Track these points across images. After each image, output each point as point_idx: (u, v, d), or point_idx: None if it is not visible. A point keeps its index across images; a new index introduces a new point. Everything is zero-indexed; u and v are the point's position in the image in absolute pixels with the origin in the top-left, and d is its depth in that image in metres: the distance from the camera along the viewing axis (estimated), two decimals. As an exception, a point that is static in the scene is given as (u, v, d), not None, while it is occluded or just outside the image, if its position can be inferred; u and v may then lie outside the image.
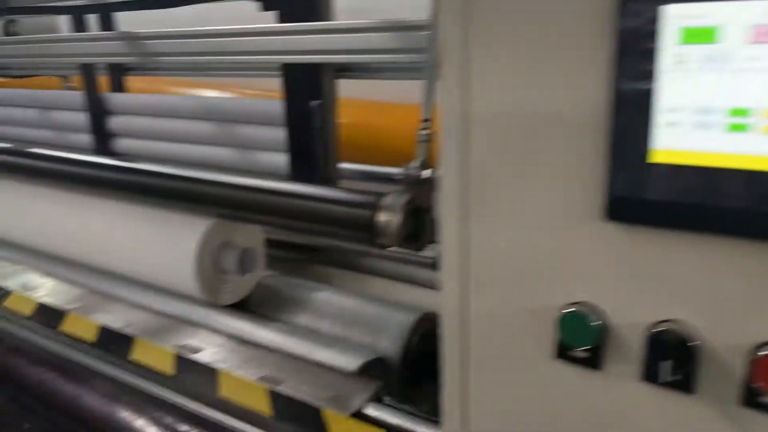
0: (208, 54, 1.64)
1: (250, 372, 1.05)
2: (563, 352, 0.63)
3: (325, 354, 1.13)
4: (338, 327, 1.31)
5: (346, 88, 1.59)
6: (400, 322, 1.26)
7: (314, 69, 1.52)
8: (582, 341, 0.60)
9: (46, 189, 1.60)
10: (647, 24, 0.53)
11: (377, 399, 0.97)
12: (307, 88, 1.54)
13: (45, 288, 1.44)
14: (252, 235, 1.39)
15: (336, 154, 1.57)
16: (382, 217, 0.97)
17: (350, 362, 1.10)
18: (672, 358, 0.55)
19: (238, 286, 1.39)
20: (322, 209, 1.05)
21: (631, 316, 0.59)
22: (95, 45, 1.89)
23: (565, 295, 0.62)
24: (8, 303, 1.37)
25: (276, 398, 0.97)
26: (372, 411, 0.95)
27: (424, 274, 1.56)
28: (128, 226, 1.40)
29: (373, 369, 1.12)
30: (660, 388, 0.58)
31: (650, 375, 0.58)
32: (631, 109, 0.54)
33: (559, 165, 0.59)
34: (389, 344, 1.23)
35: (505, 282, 0.65)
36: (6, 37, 2.29)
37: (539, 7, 0.57)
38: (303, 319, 1.36)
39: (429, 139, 0.98)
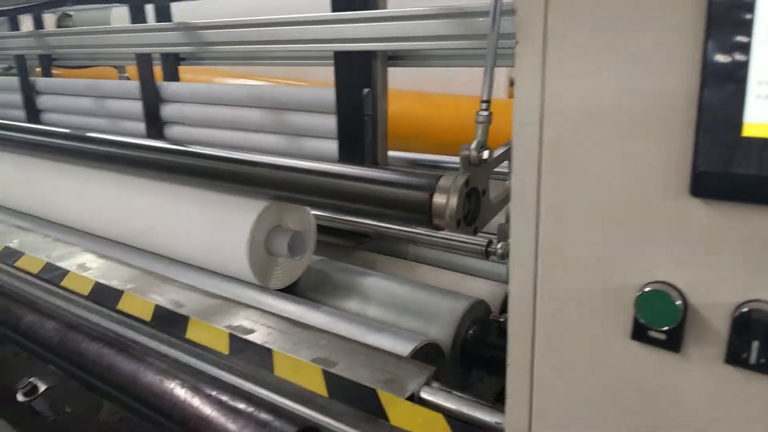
0: (262, 43, 1.66)
1: (302, 354, 1.06)
2: (641, 333, 0.61)
3: (377, 338, 1.13)
4: (387, 313, 1.31)
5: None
6: (451, 309, 1.25)
7: (366, 57, 1.52)
8: (663, 321, 0.58)
9: (102, 173, 1.64)
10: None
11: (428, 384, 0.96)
12: (358, 76, 1.54)
13: (100, 269, 1.48)
14: (303, 220, 1.40)
15: (385, 141, 1.57)
16: (438, 199, 0.97)
17: (403, 346, 1.10)
18: (761, 339, 0.53)
19: (289, 270, 1.40)
20: (378, 191, 1.05)
21: (715, 296, 0.57)
22: (152, 35, 1.94)
23: (643, 275, 0.60)
24: (65, 282, 1.40)
25: (331, 380, 0.97)
26: (426, 395, 0.94)
27: (472, 262, 1.55)
28: (182, 209, 1.43)
29: (425, 354, 1.11)
30: (744, 370, 0.56)
31: (735, 357, 0.56)
32: (723, 83, 0.52)
33: (641, 141, 0.58)
34: (440, 331, 1.23)
35: (579, 262, 0.64)
36: (65, 29, 2.35)
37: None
38: (352, 304, 1.37)
39: (488, 121, 0.97)
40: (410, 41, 1.39)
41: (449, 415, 0.89)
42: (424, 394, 0.94)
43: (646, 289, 0.59)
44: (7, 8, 2.27)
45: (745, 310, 0.54)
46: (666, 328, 0.59)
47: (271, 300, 1.31)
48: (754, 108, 0.51)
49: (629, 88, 0.57)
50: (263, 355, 1.06)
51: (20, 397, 1.20)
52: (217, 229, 1.33)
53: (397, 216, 1.06)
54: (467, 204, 1.00)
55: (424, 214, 1.00)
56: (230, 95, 1.85)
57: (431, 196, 0.98)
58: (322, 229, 1.55)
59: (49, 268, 1.49)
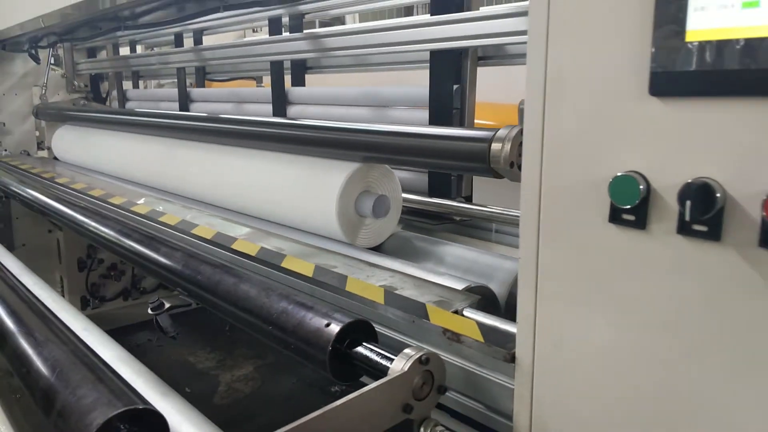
0: (371, 47, 1.91)
1: (371, 281, 1.25)
2: (615, 215, 0.74)
3: (438, 279, 1.30)
4: (455, 271, 1.47)
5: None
6: (511, 268, 1.39)
7: (457, 56, 1.73)
8: (629, 200, 0.71)
9: (222, 150, 1.96)
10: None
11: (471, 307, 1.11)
12: (450, 73, 1.75)
13: (222, 226, 1.77)
14: (390, 187, 1.60)
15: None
16: (495, 146, 1.13)
17: (458, 284, 1.25)
18: (692, 199, 0.65)
19: (375, 233, 1.61)
20: (447, 144, 1.24)
21: (670, 178, 0.69)
22: (282, 45, 2.28)
23: (617, 166, 0.73)
24: (195, 231, 1.71)
25: (389, 296, 1.15)
26: (468, 313, 1.09)
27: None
28: (285, 173, 1.69)
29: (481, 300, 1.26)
30: (692, 239, 0.68)
31: (683, 227, 0.68)
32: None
33: (615, 53, 0.72)
34: (497, 287, 1.37)
35: (571, 158, 0.78)
36: (217, 44, 2.78)
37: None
38: (426, 264, 1.54)
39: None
40: (496, 37, 1.57)
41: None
42: (467, 313, 1.10)
43: (618, 174, 0.73)
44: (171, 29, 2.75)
45: (687, 183, 0.66)
46: (630, 207, 0.72)
47: (357, 253, 1.51)
48: (693, 18, 0.65)
49: (607, 8, 0.73)
50: (339, 279, 1.27)
51: (149, 311, 1.48)
52: (312, 189, 1.57)
53: (462, 167, 1.24)
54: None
55: (483, 161, 1.16)
56: (344, 95, 2.14)
57: (490, 145, 1.15)
58: (410, 210, 1.76)
59: (184, 223, 1.82)
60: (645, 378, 0.76)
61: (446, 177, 1.81)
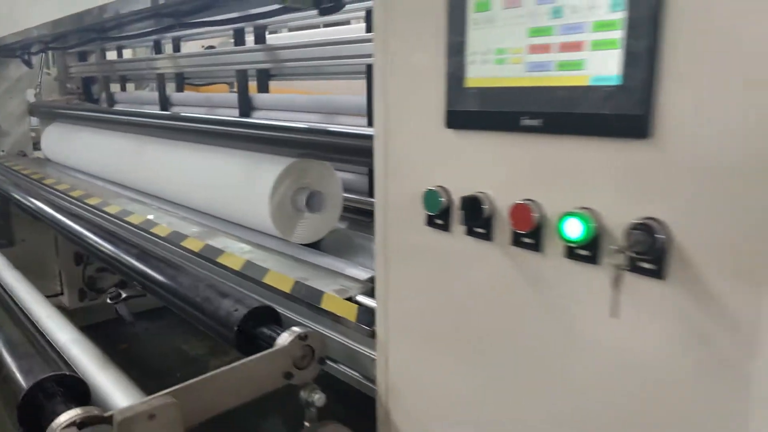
0: (321, 59, 2.11)
1: (289, 273, 1.46)
2: (430, 220, 0.94)
3: (354, 271, 1.49)
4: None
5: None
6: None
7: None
8: (433, 209, 0.91)
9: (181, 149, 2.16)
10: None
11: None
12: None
13: (180, 224, 1.98)
14: (328, 183, 1.79)
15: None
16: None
17: (364, 275, 1.45)
18: (469, 212, 0.84)
19: (313, 228, 1.79)
20: (348, 142, 1.44)
21: (461, 191, 0.88)
22: (244, 56, 2.48)
23: (429, 182, 0.93)
24: (154, 230, 1.92)
25: (297, 286, 1.36)
26: (360, 299, 1.29)
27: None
28: (227, 169, 1.89)
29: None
30: (476, 239, 0.88)
31: (470, 230, 0.88)
32: (454, 54, 0.86)
33: (428, 94, 0.92)
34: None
35: (402, 175, 0.98)
36: (192, 52, 2.98)
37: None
38: (360, 259, 1.73)
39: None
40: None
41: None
42: (359, 298, 1.29)
43: (428, 188, 0.92)
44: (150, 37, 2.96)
45: (467, 195, 0.86)
46: (435, 214, 0.91)
47: (293, 251, 1.70)
48: (469, 69, 0.85)
49: (418, 64, 0.92)
50: (262, 271, 1.48)
51: (108, 300, 1.69)
52: (251, 180, 1.77)
53: (364, 161, 1.44)
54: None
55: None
56: (297, 102, 2.34)
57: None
58: (355, 209, 1.95)
59: (146, 222, 2.03)
60: (456, 345, 0.96)
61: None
